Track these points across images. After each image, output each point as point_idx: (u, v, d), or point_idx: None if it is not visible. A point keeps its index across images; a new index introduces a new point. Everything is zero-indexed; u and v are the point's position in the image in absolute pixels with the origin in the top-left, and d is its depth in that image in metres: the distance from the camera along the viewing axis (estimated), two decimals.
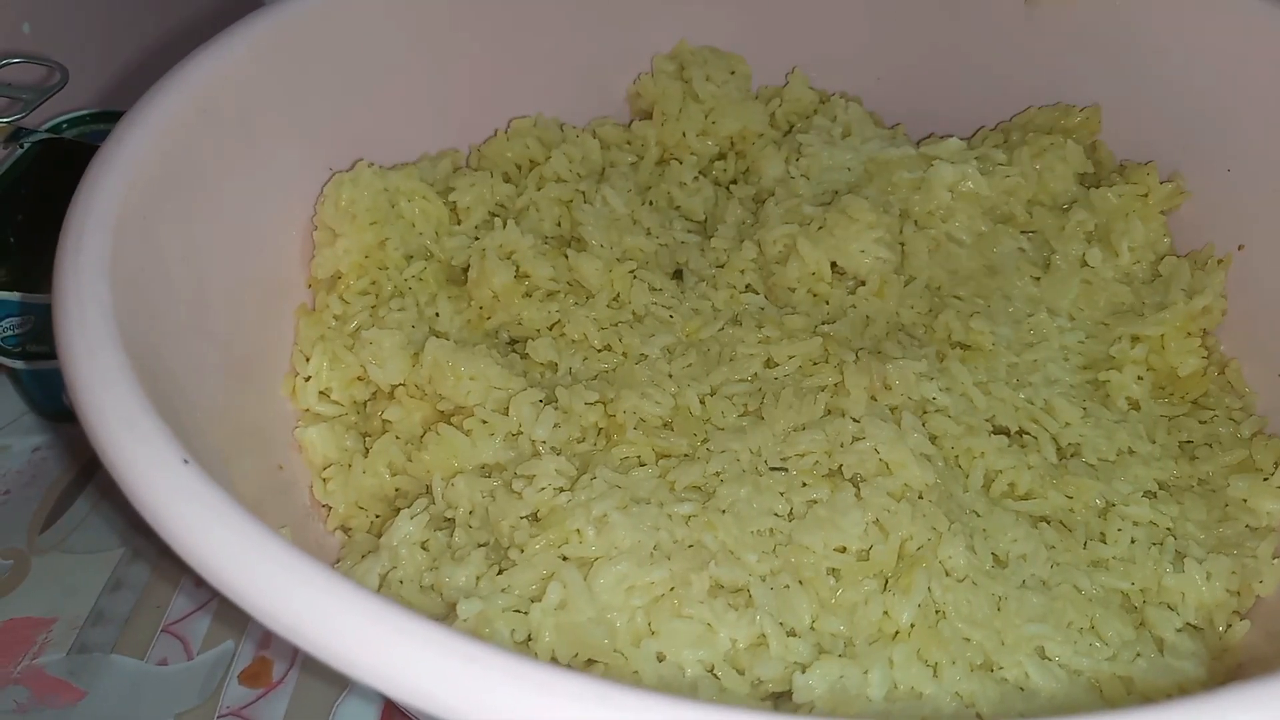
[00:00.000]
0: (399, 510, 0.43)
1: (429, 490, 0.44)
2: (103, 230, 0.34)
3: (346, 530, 0.45)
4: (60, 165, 0.58)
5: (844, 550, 0.40)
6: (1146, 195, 0.55)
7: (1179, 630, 0.42)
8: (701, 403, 0.47)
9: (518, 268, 0.51)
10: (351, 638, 0.22)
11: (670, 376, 0.48)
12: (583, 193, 0.56)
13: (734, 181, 0.60)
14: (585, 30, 0.60)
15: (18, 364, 0.57)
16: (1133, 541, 0.44)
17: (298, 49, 0.48)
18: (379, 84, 0.53)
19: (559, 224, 0.55)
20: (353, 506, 0.45)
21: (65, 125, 0.62)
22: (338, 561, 0.42)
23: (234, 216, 0.45)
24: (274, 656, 0.48)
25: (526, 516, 0.41)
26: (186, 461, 0.26)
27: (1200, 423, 0.49)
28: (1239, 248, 0.53)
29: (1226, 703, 0.24)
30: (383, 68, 0.53)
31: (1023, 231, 0.55)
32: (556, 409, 0.45)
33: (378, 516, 0.45)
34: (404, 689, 0.23)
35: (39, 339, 0.57)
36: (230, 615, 0.50)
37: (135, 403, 0.28)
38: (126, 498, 0.26)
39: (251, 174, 0.46)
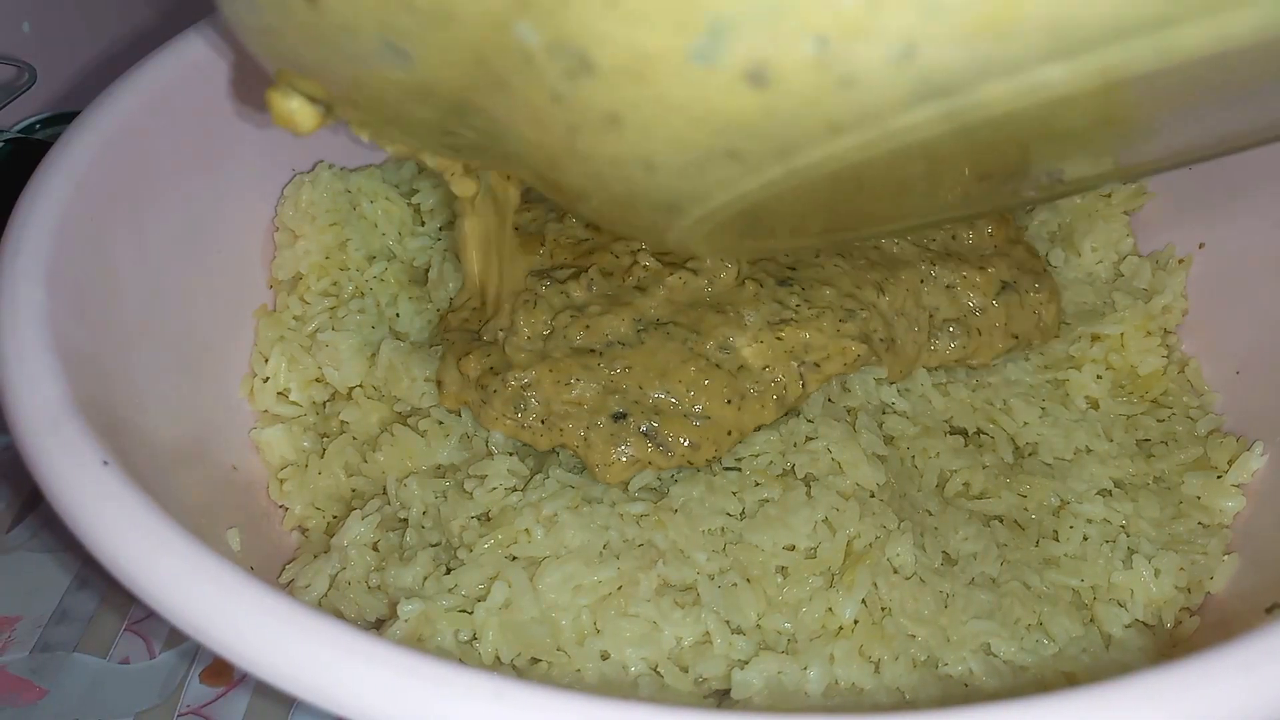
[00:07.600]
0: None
1: (385, 491, 0.44)
2: (43, 233, 0.34)
3: (303, 530, 0.45)
4: (32, 166, 0.59)
5: (793, 549, 0.40)
6: (1109, 196, 0.55)
7: (1127, 626, 0.42)
8: None
9: None
10: (249, 635, 0.23)
11: None
12: None
13: None
14: None
15: None
16: (1085, 539, 0.44)
17: None
18: None
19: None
20: (309, 507, 0.45)
21: (38, 126, 0.63)
22: (290, 561, 0.42)
23: (191, 218, 0.45)
24: None
25: (477, 516, 0.41)
26: (106, 463, 0.26)
27: (1158, 421, 0.49)
28: (1199, 246, 0.53)
29: (1159, 681, 0.24)
30: None
31: None
32: None
33: (335, 517, 0.45)
34: (298, 687, 0.23)
35: None
36: None
37: (60, 406, 0.28)
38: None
39: (210, 175, 0.46)
